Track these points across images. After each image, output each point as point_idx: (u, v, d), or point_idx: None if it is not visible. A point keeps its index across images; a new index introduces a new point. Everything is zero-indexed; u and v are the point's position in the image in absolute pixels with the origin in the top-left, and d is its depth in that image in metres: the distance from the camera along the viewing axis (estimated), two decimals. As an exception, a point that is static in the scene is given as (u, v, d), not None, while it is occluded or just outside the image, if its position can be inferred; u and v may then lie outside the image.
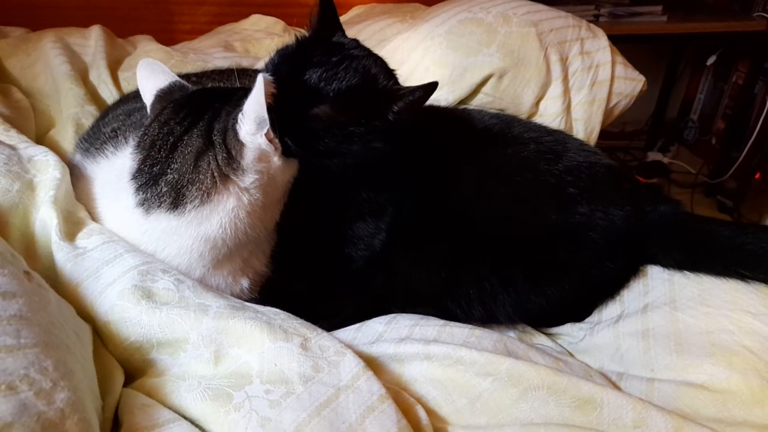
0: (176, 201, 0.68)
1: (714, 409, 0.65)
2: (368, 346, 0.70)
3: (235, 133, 0.68)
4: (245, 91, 0.70)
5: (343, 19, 1.64)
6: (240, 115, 0.67)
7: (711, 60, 2.45)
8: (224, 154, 0.68)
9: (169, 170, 0.69)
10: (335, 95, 0.72)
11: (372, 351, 0.69)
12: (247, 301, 0.75)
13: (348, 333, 0.76)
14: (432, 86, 0.72)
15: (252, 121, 0.66)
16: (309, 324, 0.67)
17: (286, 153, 0.72)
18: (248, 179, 0.69)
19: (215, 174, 0.68)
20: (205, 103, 0.72)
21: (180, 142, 0.69)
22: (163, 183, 0.68)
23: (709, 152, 2.62)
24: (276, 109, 0.68)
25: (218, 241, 0.71)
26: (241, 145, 0.68)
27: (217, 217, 0.69)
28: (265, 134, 0.67)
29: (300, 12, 1.78)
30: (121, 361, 0.63)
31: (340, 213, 0.83)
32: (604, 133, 1.27)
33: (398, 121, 0.73)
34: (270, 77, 0.70)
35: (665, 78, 2.70)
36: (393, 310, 0.81)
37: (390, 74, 0.81)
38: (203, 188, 0.68)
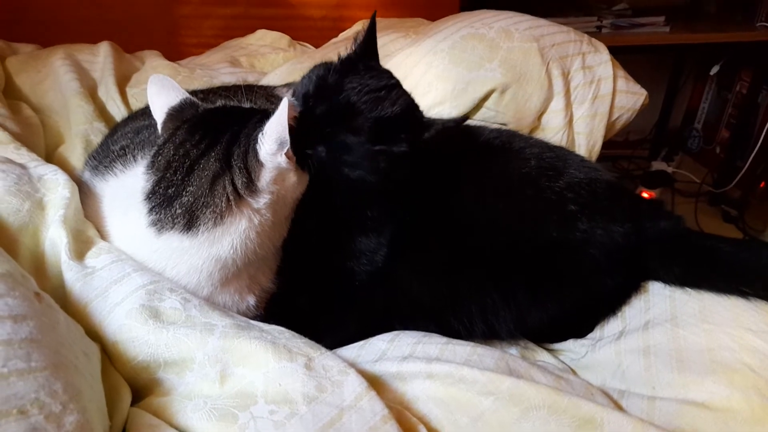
0: (190, 223, 0.69)
1: (715, 428, 0.65)
2: (371, 365, 0.71)
3: (255, 154, 0.69)
4: (263, 114, 0.73)
5: (347, 33, 1.68)
6: (260, 136, 0.69)
7: (714, 70, 2.45)
8: (244, 179, 0.69)
9: (184, 193, 0.70)
10: (378, 119, 0.77)
11: (375, 369, 0.69)
12: (252, 318, 0.76)
13: (352, 351, 0.76)
14: (463, 119, 0.83)
15: (273, 141, 0.68)
16: (313, 343, 0.68)
17: (302, 164, 0.74)
18: (262, 200, 0.71)
19: (230, 197, 0.69)
20: (220, 125, 0.74)
21: (197, 165, 0.70)
22: (177, 205, 0.69)
23: (713, 161, 2.62)
24: (315, 117, 0.75)
25: (228, 261, 0.72)
26: (261, 165, 0.69)
27: (229, 239, 0.70)
28: (285, 153, 0.69)
29: (304, 25, 1.83)
30: (129, 380, 0.64)
31: (343, 228, 0.84)
32: (607, 142, 1.28)
33: (426, 147, 0.79)
34: (294, 101, 0.74)
35: (668, 87, 2.71)
36: (396, 326, 0.82)
37: (416, 104, 0.86)
38: (217, 211, 0.69)
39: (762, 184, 2.34)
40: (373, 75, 0.82)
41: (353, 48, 0.86)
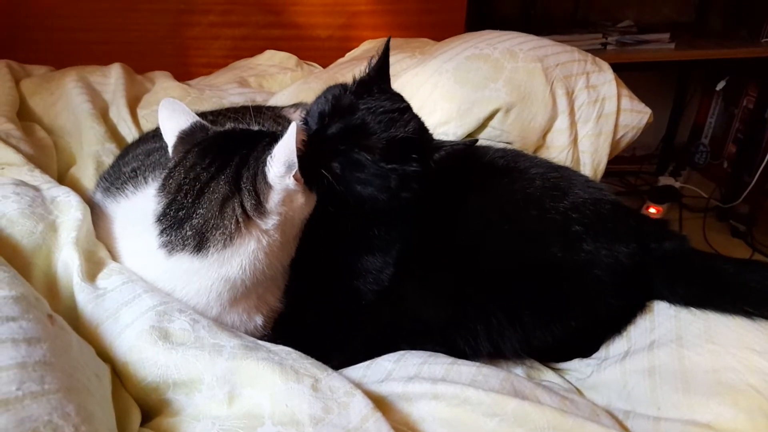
0: (200, 244, 0.70)
1: (720, 450, 0.66)
2: (377, 385, 0.71)
3: (264, 176, 0.71)
4: (272, 137, 0.74)
5: (353, 53, 1.70)
6: (269, 159, 0.70)
7: (720, 85, 2.46)
8: (253, 201, 0.71)
9: (194, 215, 0.71)
10: (390, 139, 0.79)
11: (381, 390, 0.70)
12: (260, 337, 0.77)
13: (358, 371, 0.77)
14: (472, 142, 0.88)
15: (282, 164, 0.69)
16: (320, 364, 0.69)
17: (310, 185, 0.75)
18: (270, 221, 0.72)
19: (239, 219, 0.71)
20: (230, 149, 0.75)
21: (207, 188, 0.72)
22: (188, 227, 0.71)
23: (720, 176, 2.62)
24: (330, 135, 0.78)
25: (237, 281, 0.73)
26: (269, 187, 0.71)
27: (238, 259, 0.71)
28: (293, 175, 0.70)
29: (311, 45, 1.85)
30: (138, 401, 0.65)
31: (350, 247, 0.85)
32: (614, 158, 1.29)
33: (435, 168, 0.81)
34: (303, 126, 0.77)
35: (675, 103, 2.72)
36: (402, 346, 0.83)
37: (426, 127, 0.88)
38: (227, 233, 0.70)
39: (770, 199, 2.34)
40: (387, 97, 0.85)
41: (368, 71, 0.89)
